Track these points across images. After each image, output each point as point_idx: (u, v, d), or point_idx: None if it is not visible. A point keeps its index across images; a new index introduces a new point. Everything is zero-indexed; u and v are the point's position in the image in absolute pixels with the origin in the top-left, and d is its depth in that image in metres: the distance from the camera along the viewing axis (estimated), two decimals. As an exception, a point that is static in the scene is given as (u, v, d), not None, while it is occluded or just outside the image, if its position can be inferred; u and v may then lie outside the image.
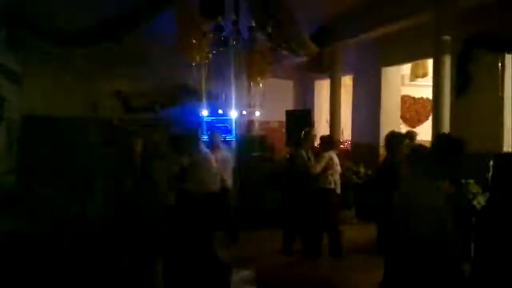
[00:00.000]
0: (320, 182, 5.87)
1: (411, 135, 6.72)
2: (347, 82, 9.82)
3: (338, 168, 5.98)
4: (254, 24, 6.05)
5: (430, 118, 7.08)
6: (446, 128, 5.97)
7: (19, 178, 7.06)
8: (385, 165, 5.08)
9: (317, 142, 6.60)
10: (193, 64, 7.07)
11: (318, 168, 5.85)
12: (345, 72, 9.23)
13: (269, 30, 5.89)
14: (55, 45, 7.30)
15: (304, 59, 9.10)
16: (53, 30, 7.08)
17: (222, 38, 6.16)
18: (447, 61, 5.95)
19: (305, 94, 12.01)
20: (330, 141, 6.25)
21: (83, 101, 9.54)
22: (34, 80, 8.66)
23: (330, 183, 5.90)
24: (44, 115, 8.78)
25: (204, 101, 10.21)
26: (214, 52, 6.53)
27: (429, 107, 8.77)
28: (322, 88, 11.20)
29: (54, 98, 9.23)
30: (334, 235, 5.82)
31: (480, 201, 5.05)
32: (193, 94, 10.38)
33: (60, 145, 8.07)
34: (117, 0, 5.94)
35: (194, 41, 6.01)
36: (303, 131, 6.17)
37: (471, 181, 5.31)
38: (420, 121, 9.83)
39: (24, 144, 7.89)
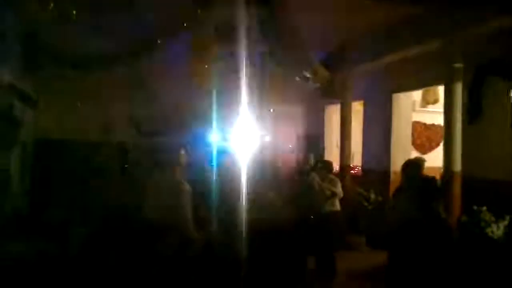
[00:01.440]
0: (328, 205, 6.11)
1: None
2: (357, 107, 9.84)
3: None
4: (266, 51, 6.15)
5: (442, 144, 7.07)
6: (457, 155, 5.95)
7: (32, 201, 7.12)
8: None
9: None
10: (205, 90, 7.16)
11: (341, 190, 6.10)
12: (356, 98, 9.27)
13: (281, 57, 5.98)
14: (70, 70, 7.47)
15: (315, 85, 9.18)
16: (68, 55, 7.25)
17: (234, 65, 6.26)
18: (459, 88, 5.97)
19: (316, 120, 12.04)
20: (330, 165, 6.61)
21: (96, 125, 9.66)
22: (49, 104, 8.82)
23: (336, 206, 6.19)
24: (58, 138, 8.91)
25: (215, 127, 10.31)
26: (226, 78, 6.62)
27: (441, 133, 8.75)
28: (333, 113, 11.23)
29: (68, 121, 9.37)
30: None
31: (493, 229, 4.99)
32: (205, 119, 10.49)
33: (73, 168, 8.15)
34: (132, 26, 6.08)
35: (206, 66, 6.11)
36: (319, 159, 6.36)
37: (484, 208, 5.26)
38: (431, 148, 9.78)
39: (38, 167, 7.98)
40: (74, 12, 4.13)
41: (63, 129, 9.15)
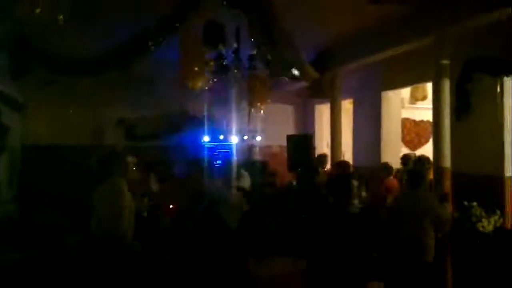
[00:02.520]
0: None
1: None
2: (347, 106, 9.88)
3: None
4: (254, 53, 6.15)
5: (431, 140, 7.14)
6: (447, 151, 6.00)
7: (21, 207, 7.05)
8: None
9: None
10: (195, 92, 7.14)
11: None
12: (345, 96, 9.30)
13: (269, 58, 5.98)
14: (59, 74, 7.40)
15: (304, 84, 9.20)
16: (57, 60, 7.18)
17: (224, 66, 6.26)
18: (447, 84, 6.02)
19: (306, 118, 12.08)
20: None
21: (86, 129, 9.61)
22: (37, 109, 8.75)
23: None
24: (47, 144, 8.84)
25: (206, 127, 10.32)
26: (216, 79, 6.62)
27: (430, 129, 8.81)
28: (323, 112, 11.28)
29: (57, 126, 9.31)
30: None
31: (484, 224, 5.04)
32: (195, 120, 10.48)
33: (62, 173, 8.09)
34: (122, 29, 6.04)
35: (196, 69, 6.09)
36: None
37: (474, 204, 5.31)
38: (421, 144, 9.85)
39: (26, 173, 7.91)
40: (61, 16, 4.08)
41: (52, 134, 9.09)
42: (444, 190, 5.77)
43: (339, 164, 7.40)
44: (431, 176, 6.05)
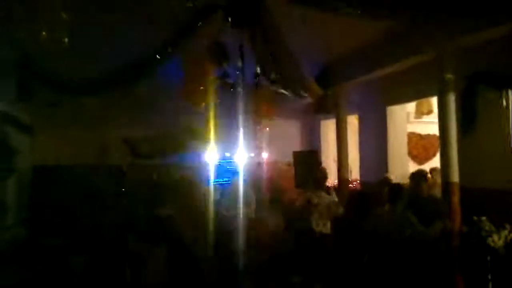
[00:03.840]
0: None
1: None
2: (353, 121, 9.88)
3: None
4: (258, 71, 6.18)
5: (438, 154, 7.10)
6: (454, 165, 5.95)
7: (29, 229, 7.05)
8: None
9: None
10: (200, 110, 7.17)
11: None
12: (350, 112, 9.31)
13: (273, 75, 6.00)
14: (65, 95, 7.46)
15: (309, 100, 9.22)
16: (63, 81, 7.25)
17: (228, 84, 6.28)
18: (452, 98, 6.00)
19: (311, 134, 12.08)
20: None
21: (92, 149, 9.65)
22: (44, 130, 8.80)
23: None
24: (54, 164, 8.88)
25: (211, 145, 10.31)
26: (220, 97, 6.65)
27: (437, 143, 8.77)
28: (328, 128, 11.27)
29: (63, 147, 9.36)
30: None
31: (495, 239, 4.97)
32: (200, 138, 10.49)
33: (70, 194, 8.10)
34: (125, 51, 6.10)
35: (201, 88, 6.13)
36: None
37: (483, 218, 5.24)
38: (428, 158, 9.80)
39: (35, 194, 7.93)
40: (66, 39, 4.14)
41: (59, 155, 9.13)
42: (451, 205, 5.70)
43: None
44: (427, 191, 5.98)
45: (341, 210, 6.34)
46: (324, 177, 7.04)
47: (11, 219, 6.45)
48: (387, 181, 7.26)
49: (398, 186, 5.14)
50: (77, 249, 5.74)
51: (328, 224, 6.05)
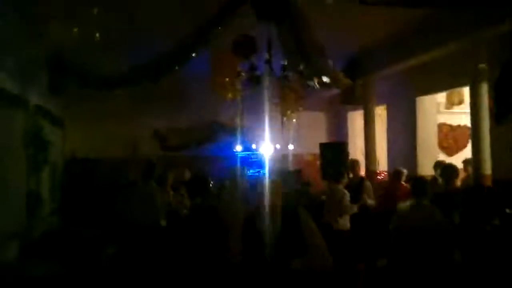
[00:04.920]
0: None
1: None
2: (381, 112, 9.76)
3: None
4: (286, 63, 6.16)
5: (469, 146, 6.95)
6: (486, 156, 5.84)
7: (62, 219, 7.25)
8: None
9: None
10: (227, 102, 7.21)
11: None
12: (379, 102, 9.19)
13: (301, 67, 5.97)
14: (95, 89, 7.62)
15: (336, 91, 9.14)
16: (93, 75, 7.39)
17: (255, 77, 6.29)
18: (485, 88, 5.88)
19: (338, 126, 11.99)
20: None
21: (122, 142, 9.83)
22: (75, 123, 9.01)
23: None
24: (85, 157, 9.08)
25: (238, 137, 10.38)
26: (248, 89, 6.66)
27: (467, 134, 8.59)
28: (356, 119, 11.17)
29: (94, 140, 9.57)
30: None
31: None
32: (228, 130, 10.57)
33: (101, 186, 8.28)
34: (154, 44, 6.17)
35: (227, 79, 6.16)
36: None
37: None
38: (458, 149, 9.61)
39: (67, 186, 8.14)
40: (98, 34, 4.21)
41: (89, 147, 9.34)
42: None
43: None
44: (457, 184, 5.84)
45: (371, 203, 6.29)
46: (355, 169, 6.99)
47: (45, 210, 6.63)
48: (399, 174, 7.18)
49: (421, 179, 5.02)
50: (109, 240, 5.86)
51: (347, 220, 5.98)
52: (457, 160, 7.70)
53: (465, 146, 9.28)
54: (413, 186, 4.84)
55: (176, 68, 6.27)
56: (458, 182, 5.91)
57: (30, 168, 5.85)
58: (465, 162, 7.09)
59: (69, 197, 7.92)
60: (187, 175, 7.01)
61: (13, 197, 5.28)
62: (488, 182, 5.76)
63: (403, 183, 6.95)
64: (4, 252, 4.81)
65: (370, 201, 6.51)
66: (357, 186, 6.35)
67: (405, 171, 7.16)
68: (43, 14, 5.04)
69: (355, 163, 7.36)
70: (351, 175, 6.82)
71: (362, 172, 8.42)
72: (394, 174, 7.27)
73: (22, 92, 5.62)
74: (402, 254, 4.64)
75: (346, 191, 6.02)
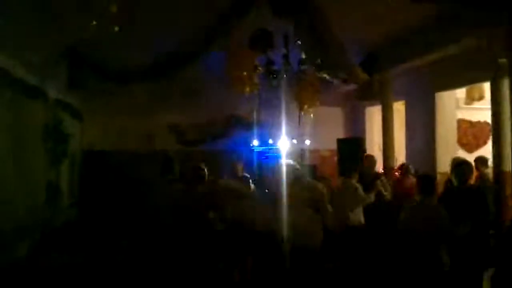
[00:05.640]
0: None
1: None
2: (399, 107, 9.65)
3: None
4: (303, 57, 6.13)
5: (489, 142, 6.84)
6: (508, 153, 5.73)
7: (80, 211, 7.36)
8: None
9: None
10: (244, 96, 7.20)
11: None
12: (397, 98, 9.08)
13: (319, 61, 5.94)
14: (113, 83, 7.70)
15: (354, 86, 9.06)
16: (111, 69, 7.47)
17: (273, 71, 6.27)
18: (506, 84, 5.76)
19: (356, 121, 11.89)
20: None
21: (139, 135, 9.92)
22: (93, 116, 9.12)
23: None
24: (103, 149, 9.19)
25: (255, 131, 10.38)
26: (265, 84, 6.65)
27: (488, 131, 8.44)
28: (373, 114, 11.06)
29: (111, 133, 9.67)
30: None
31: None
32: (244, 125, 10.58)
33: (119, 179, 8.37)
34: (171, 39, 6.19)
35: (245, 73, 6.14)
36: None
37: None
38: (478, 146, 9.46)
39: (85, 178, 8.26)
40: (117, 28, 4.24)
41: (107, 141, 9.45)
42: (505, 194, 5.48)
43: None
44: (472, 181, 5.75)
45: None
46: (370, 165, 6.92)
47: (64, 202, 6.74)
48: (407, 169, 7.16)
49: (428, 177, 4.91)
50: (124, 233, 5.92)
51: (361, 215, 5.96)
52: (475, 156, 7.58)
53: (485, 142, 9.12)
54: (419, 184, 4.77)
55: (193, 62, 6.30)
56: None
57: (49, 160, 5.95)
58: (477, 160, 6.96)
59: (87, 189, 8.04)
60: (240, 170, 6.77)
61: (33, 189, 5.38)
62: (509, 179, 5.67)
63: (410, 176, 7.01)
64: (25, 243, 4.90)
65: (386, 193, 6.42)
66: (371, 181, 6.31)
67: (411, 166, 7.33)
68: (62, 8, 5.09)
69: (370, 158, 7.31)
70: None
71: (379, 168, 8.37)
72: (401, 169, 7.45)
73: (42, 85, 5.71)
74: (401, 252, 4.61)
75: (358, 184, 6.00)
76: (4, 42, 4.45)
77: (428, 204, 4.51)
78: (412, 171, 7.18)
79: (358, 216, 5.93)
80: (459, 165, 5.00)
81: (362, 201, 5.93)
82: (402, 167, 7.64)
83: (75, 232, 6.01)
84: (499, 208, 5.65)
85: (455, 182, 4.87)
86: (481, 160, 6.96)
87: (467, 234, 4.38)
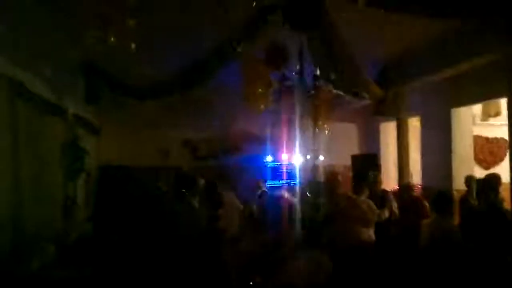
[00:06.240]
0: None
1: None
2: (414, 123, 9.58)
3: None
4: (318, 73, 6.15)
5: (506, 159, 6.74)
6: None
7: (95, 226, 7.38)
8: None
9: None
10: (258, 112, 7.23)
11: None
12: (412, 113, 9.03)
13: (333, 77, 5.95)
14: (129, 99, 7.80)
15: (368, 102, 9.04)
16: (127, 85, 7.58)
17: (287, 87, 6.30)
18: (523, 99, 5.70)
19: (370, 137, 11.84)
20: None
21: (154, 151, 9.99)
22: (109, 131, 9.22)
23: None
24: (118, 165, 9.25)
25: (269, 147, 10.39)
26: (279, 100, 6.68)
27: (505, 147, 8.33)
28: (388, 130, 11.00)
29: (127, 148, 9.76)
30: None
31: None
32: (258, 140, 10.59)
33: (133, 194, 8.40)
34: (185, 56, 6.27)
35: (260, 90, 6.18)
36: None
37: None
38: (495, 163, 9.33)
39: (100, 193, 8.30)
40: (134, 45, 4.31)
41: (122, 156, 9.52)
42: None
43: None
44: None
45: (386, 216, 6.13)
46: (376, 182, 6.83)
47: (80, 216, 6.79)
48: (409, 187, 7.09)
49: (444, 194, 4.78)
50: (138, 247, 5.92)
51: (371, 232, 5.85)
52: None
53: (502, 159, 9.01)
54: (434, 202, 4.67)
55: (208, 77, 6.36)
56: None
57: (66, 175, 6.02)
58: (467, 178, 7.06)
59: (103, 204, 8.07)
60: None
61: (50, 203, 5.43)
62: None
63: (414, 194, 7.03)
64: (40, 255, 4.93)
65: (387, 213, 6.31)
66: (380, 199, 6.23)
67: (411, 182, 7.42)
68: (79, 23, 5.21)
69: (375, 175, 7.21)
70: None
71: (388, 186, 8.28)
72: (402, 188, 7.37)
73: (60, 101, 5.80)
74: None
75: (369, 200, 5.92)
76: (22, 56, 4.55)
77: (441, 222, 4.42)
78: (412, 189, 7.14)
79: (371, 232, 5.83)
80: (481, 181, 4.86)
81: (377, 218, 5.84)
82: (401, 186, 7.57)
83: (89, 246, 6.03)
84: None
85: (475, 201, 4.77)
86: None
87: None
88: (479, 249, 4.11)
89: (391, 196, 6.66)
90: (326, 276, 4.04)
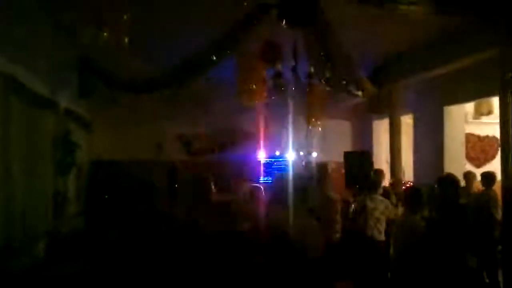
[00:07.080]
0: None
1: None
2: (407, 121, 9.63)
3: None
4: (312, 70, 6.15)
5: (498, 157, 6.79)
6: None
7: (87, 221, 7.37)
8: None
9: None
10: (252, 108, 7.22)
11: None
12: (405, 111, 9.07)
13: (327, 74, 5.95)
14: (122, 93, 7.75)
15: (362, 99, 9.06)
16: (121, 80, 7.53)
17: (281, 83, 6.29)
18: (514, 98, 5.73)
19: (363, 134, 11.87)
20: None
21: (147, 145, 9.96)
22: (101, 126, 9.17)
23: None
24: (110, 159, 9.22)
25: (262, 143, 10.39)
26: (273, 96, 6.66)
27: (496, 145, 8.40)
28: (381, 128, 11.04)
29: (119, 142, 9.71)
30: None
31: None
32: (251, 136, 10.59)
33: (125, 189, 8.39)
34: (180, 51, 6.24)
35: (254, 86, 6.16)
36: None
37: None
38: (486, 161, 9.42)
39: (92, 188, 8.27)
40: (127, 40, 4.28)
41: (114, 150, 9.48)
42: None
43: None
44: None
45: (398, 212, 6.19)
46: (380, 180, 6.90)
47: (71, 211, 6.76)
48: (398, 182, 7.19)
49: (415, 191, 4.87)
50: (131, 242, 5.91)
51: (382, 230, 5.93)
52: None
53: (493, 157, 9.09)
54: (405, 198, 4.75)
55: (201, 73, 6.33)
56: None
57: (57, 170, 5.98)
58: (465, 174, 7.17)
59: (94, 198, 8.05)
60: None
61: (41, 198, 5.40)
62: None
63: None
64: (31, 251, 4.91)
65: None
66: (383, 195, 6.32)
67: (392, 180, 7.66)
68: (73, 18, 5.17)
69: (379, 172, 7.28)
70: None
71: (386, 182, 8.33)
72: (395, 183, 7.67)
73: (53, 95, 5.76)
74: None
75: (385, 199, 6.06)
76: (15, 51, 4.51)
77: (409, 217, 4.53)
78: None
79: (383, 230, 5.94)
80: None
81: (394, 215, 5.95)
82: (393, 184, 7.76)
83: (81, 241, 6.01)
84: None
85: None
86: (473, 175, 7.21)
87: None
88: (441, 245, 4.23)
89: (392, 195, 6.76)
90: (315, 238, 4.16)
